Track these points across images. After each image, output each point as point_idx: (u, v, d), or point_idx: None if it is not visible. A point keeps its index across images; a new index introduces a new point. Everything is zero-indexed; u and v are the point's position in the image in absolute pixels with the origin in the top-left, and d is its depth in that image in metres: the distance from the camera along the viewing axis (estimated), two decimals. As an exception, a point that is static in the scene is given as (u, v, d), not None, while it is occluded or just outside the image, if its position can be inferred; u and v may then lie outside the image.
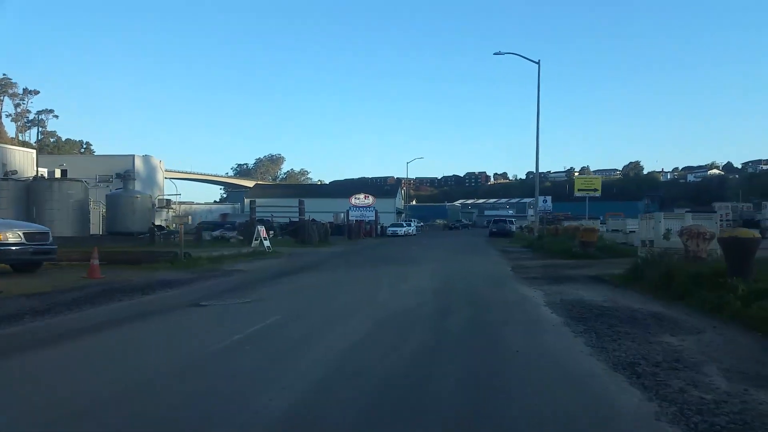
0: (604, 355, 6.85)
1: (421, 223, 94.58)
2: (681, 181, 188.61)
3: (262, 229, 27.65)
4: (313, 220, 42.68)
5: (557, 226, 35.27)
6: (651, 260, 13.39)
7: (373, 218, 59.70)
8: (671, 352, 7.01)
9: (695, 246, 12.64)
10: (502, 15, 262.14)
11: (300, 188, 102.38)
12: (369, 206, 59.11)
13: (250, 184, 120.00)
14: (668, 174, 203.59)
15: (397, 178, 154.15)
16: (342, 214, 61.75)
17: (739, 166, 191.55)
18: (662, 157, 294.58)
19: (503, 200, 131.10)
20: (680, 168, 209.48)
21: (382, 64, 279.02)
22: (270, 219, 44.71)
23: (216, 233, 38.23)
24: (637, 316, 9.64)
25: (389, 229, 61.43)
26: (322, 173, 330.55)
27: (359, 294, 12.75)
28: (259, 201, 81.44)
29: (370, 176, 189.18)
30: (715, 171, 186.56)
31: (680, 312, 10.11)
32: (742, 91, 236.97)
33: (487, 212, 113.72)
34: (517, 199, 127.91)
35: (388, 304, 11.05)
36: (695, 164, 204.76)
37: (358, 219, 59.08)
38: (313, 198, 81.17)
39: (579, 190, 27.73)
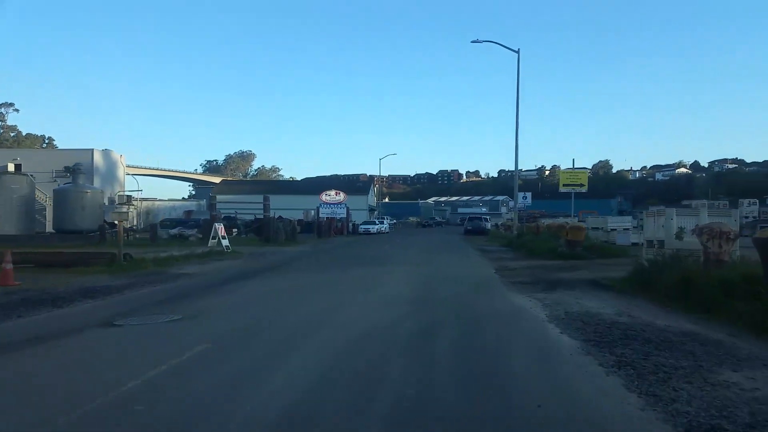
0: (662, 409, 4.70)
1: (394, 221, 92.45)
2: (650, 179, 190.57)
3: (219, 227, 25.07)
4: (280, 217, 40.18)
5: (538, 224, 33.38)
6: (663, 263, 11.35)
7: (345, 215, 57.39)
8: (752, 401, 4.90)
9: (717, 247, 10.64)
10: (470, 11, 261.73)
11: (269, 184, 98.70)
12: (340, 203, 56.73)
13: (218, 180, 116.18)
14: (637, 173, 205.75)
15: (370, 175, 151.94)
16: (312, 212, 59.24)
17: (706, 165, 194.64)
18: (631, 155, 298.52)
19: (476, 198, 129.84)
20: (648, 167, 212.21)
21: (354, 61, 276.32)
22: (234, 216, 42.05)
23: (174, 231, 35.44)
24: (670, 338, 7.56)
25: (361, 226, 59.14)
26: (294, 170, 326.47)
27: (321, 307, 10.44)
28: (225, 198, 78.44)
29: (342, 174, 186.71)
30: (682, 170, 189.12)
31: (719, 331, 8.08)
32: (707, 91, 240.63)
33: (460, 210, 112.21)
34: (490, 197, 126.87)
35: (355, 323, 8.77)
36: (663, 163, 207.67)
37: (329, 216, 56.66)
38: (282, 195, 78.36)
39: (564, 185, 25.82)
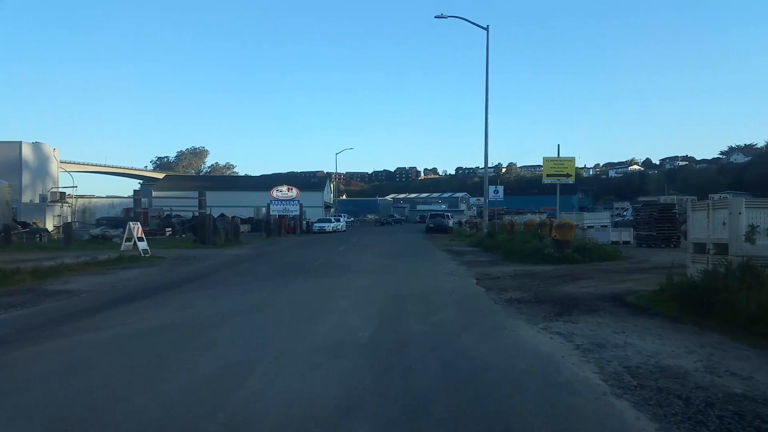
0: None
1: (352, 219, 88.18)
2: (603, 177, 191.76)
3: (135, 227, 20.38)
4: (222, 215, 35.48)
5: (512, 221, 29.68)
6: (742, 279, 7.57)
7: (298, 213, 52.85)
8: None
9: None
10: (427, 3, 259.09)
11: (218, 180, 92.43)
12: (293, 200, 52.19)
13: (162, 176, 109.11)
14: (591, 170, 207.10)
15: (327, 172, 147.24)
16: (264, 209, 54.50)
17: (657, 163, 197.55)
18: (584, 153, 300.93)
19: (435, 195, 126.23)
20: (602, 164, 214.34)
21: (310, 58, 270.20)
22: (170, 213, 37.06)
23: (96, 231, 30.37)
24: None
25: (316, 224, 54.67)
26: (250, 168, 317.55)
27: (220, 364, 6.16)
28: (165, 194, 72.70)
29: (299, 171, 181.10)
30: (635, 167, 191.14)
31: None
32: (658, 89, 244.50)
33: (419, 207, 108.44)
34: (449, 194, 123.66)
35: (264, 411, 4.58)
36: (615, 160, 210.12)
37: (281, 214, 52.10)
38: (233, 191, 73.18)
39: (548, 176, 22.11)
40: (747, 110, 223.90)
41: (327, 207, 73.33)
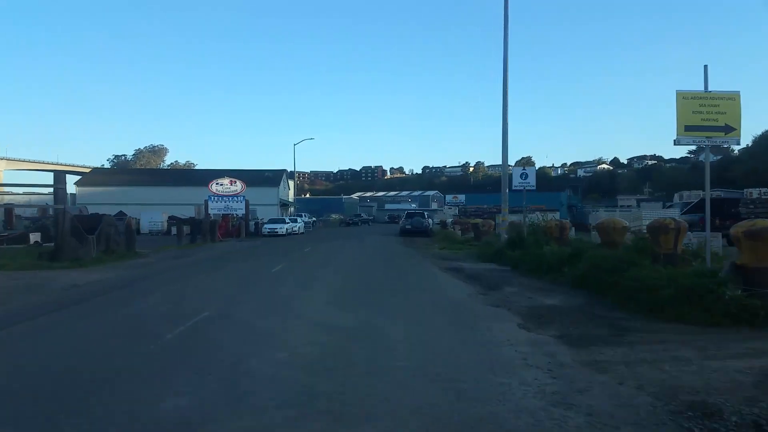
0: None
1: (314, 219, 77.09)
2: (572, 176, 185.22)
3: None
4: (121, 214, 24.31)
5: (562, 222, 18.81)
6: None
7: (243, 211, 41.63)
8: None
9: None
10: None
11: (156, 174, 79.32)
12: (237, 195, 40.99)
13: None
14: (558, 169, 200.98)
15: (284, 170, 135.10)
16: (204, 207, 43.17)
17: (625, 162, 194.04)
18: (551, 152, 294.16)
19: (404, 193, 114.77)
20: (569, 164, 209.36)
21: (275, 56, 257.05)
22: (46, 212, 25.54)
23: None
24: None
25: (266, 226, 43.32)
26: (212, 166, 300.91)
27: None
28: (91, 190, 60.55)
29: (259, 169, 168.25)
30: (603, 166, 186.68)
31: None
32: (625, 88, 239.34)
33: (387, 206, 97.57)
34: (419, 192, 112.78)
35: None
36: (583, 160, 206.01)
37: (224, 213, 40.93)
38: (171, 186, 61.22)
39: (689, 130, 13.21)
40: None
41: (284, 205, 61.94)
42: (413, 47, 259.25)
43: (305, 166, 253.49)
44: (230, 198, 40.71)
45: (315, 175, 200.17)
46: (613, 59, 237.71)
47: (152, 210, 49.51)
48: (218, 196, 40.72)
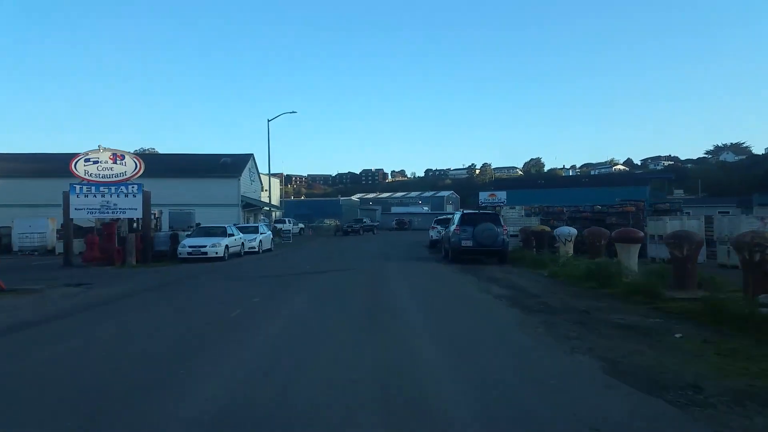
0: None
1: (301, 226, 56.32)
2: (584, 179, 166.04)
3: None
4: None
5: None
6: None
7: (138, 212, 20.85)
8: None
9: None
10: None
11: (43, 162, 51.97)
12: (125, 182, 20.45)
13: None
14: (570, 171, 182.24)
15: (287, 175, 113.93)
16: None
17: (639, 163, 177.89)
18: (561, 154, 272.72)
19: (414, 194, 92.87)
20: (578, 165, 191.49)
21: (273, 58, 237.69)
22: None
23: None
24: None
25: (186, 242, 21.98)
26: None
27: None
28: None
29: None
30: (619, 167, 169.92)
31: None
32: (636, 90, 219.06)
33: (394, 209, 76.43)
34: (431, 192, 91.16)
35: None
36: (594, 161, 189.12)
37: (100, 215, 20.41)
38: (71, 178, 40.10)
39: None
40: (734, 110, 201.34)
41: (250, 206, 40.58)
42: (414, 47, 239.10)
43: (302, 169, 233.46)
44: (111, 188, 20.14)
45: (313, 179, 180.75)
46: (615, 58, 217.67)
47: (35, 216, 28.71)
48: (91, 184, 20.13)
